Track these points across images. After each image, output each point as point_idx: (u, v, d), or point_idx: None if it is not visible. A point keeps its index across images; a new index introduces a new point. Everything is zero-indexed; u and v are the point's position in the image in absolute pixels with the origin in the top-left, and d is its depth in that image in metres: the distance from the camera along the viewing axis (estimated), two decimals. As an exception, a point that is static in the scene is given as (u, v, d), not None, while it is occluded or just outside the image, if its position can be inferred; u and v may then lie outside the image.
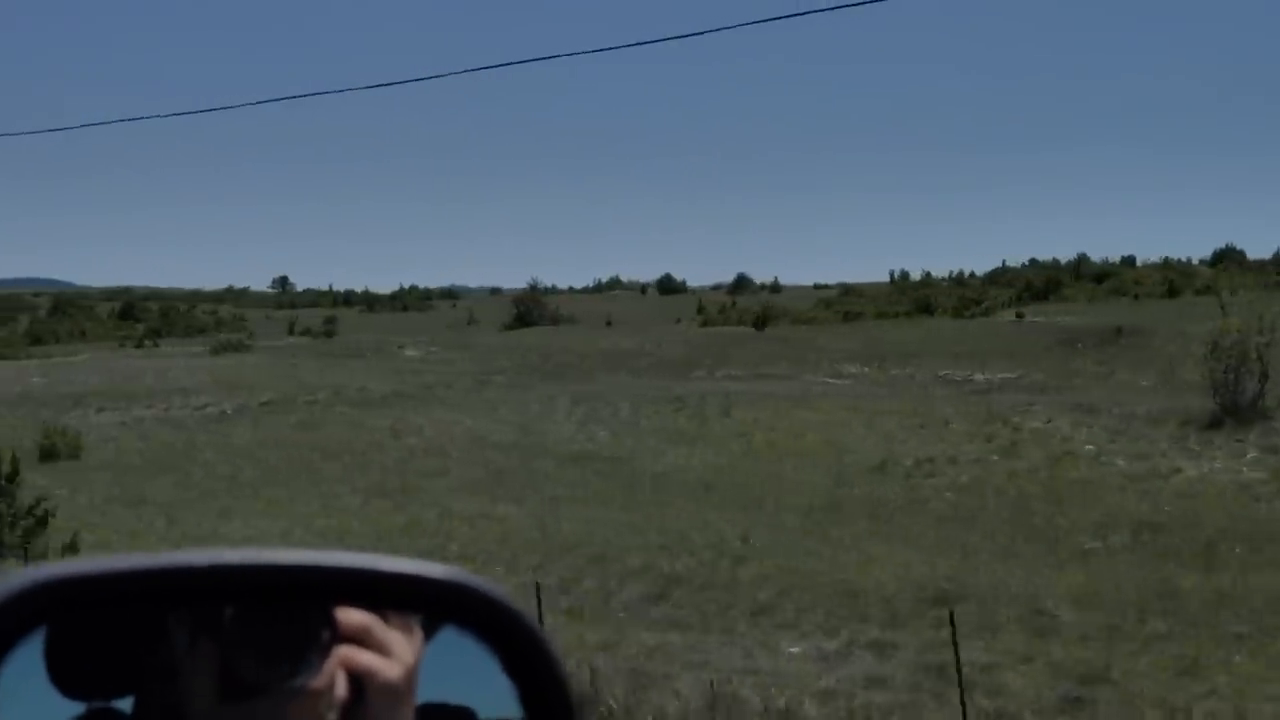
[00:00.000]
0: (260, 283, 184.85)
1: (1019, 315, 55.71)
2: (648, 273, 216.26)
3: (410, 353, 59.57)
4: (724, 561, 16.83)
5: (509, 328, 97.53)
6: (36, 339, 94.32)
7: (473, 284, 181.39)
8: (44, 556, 18.82)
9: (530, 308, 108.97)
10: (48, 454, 29.38)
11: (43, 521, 19.38)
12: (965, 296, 62.17)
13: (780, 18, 16.67)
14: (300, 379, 43.51)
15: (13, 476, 19.65)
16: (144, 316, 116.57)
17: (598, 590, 15.28)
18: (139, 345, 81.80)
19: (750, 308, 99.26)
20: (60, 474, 27.57)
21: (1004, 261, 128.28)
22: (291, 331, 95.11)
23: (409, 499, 22.96)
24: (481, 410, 34.37)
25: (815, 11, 14.84)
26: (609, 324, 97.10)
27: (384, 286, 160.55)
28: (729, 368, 43.50)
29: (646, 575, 16.05)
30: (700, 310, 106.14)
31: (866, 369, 41.54)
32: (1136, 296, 62.66)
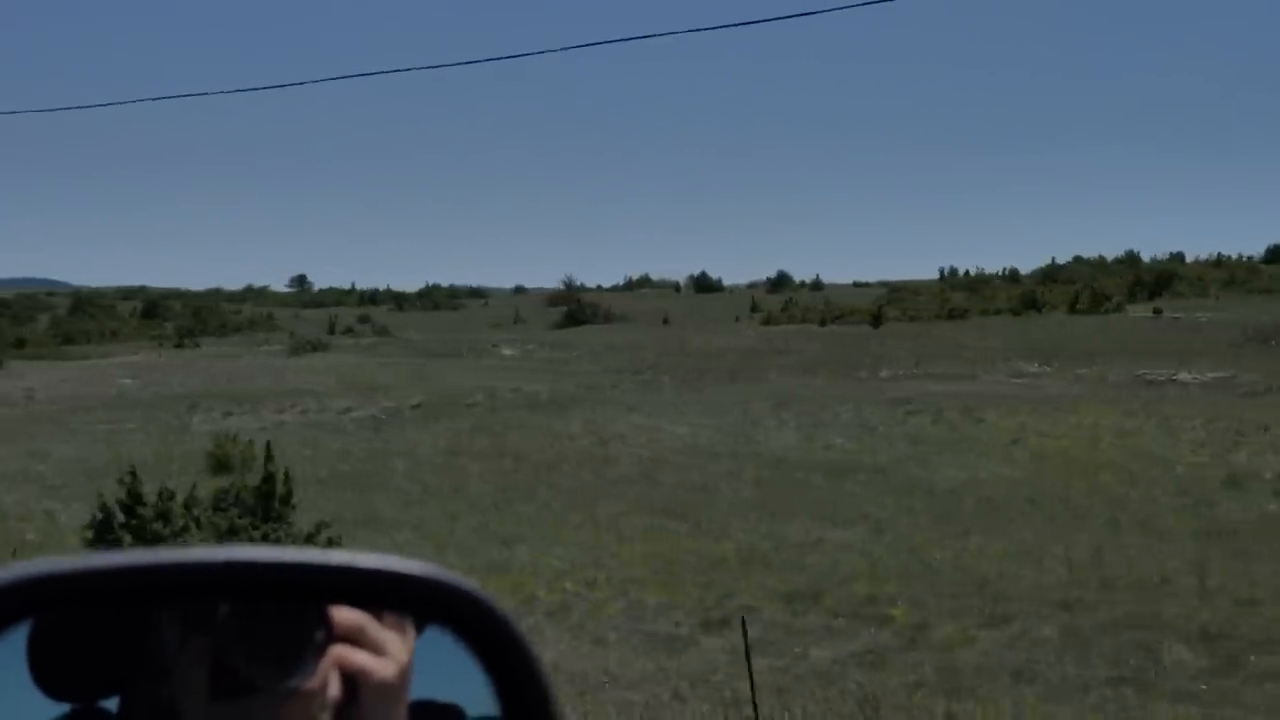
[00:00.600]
0: (264, 280, 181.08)
1: (1157, 311, 52.80)
2: (670, 271, 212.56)
3: (507, 351, 56.43)
4: (1220, 607, 13.69)
5: (559, 326, 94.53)
6: (68, 339, 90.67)
7: (491, 283, 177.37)
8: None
9: (580, 306, 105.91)
10: (221, 465, 26.11)
11: (326, 553, 16.14)
12: (1096, 292, 59.04)
13: (807, 14, 13.90)
14: (429, 380, 40.30)
15: (287, 498, 16.41)
16: (168, 316, 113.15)
17: (1131, 651, 12.12)
18: (178, 345, 78.49)
19: (813, 305, 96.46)
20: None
21: (1054, 259, 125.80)
22: (332, 330, 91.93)
23: (699, 520, 19.80)
24: (669, 415, 31.21)
25: (847, 7, 12.33)
26: (666, 322, 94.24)
27: (399, 285, 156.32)
28: (890, 367, 40.39)
29: (1153, 629, 12.89)
30: (755, 308, 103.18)
31: (1046, 368, 38.44)
32: (1270, 291, 59.77)
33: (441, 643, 1.07)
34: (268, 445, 16.88)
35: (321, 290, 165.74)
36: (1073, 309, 59.00)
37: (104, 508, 15.71)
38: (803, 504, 20.79)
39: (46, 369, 53.68)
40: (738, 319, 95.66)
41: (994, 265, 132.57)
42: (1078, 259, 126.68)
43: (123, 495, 15.82)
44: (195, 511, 16.02)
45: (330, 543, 16.28)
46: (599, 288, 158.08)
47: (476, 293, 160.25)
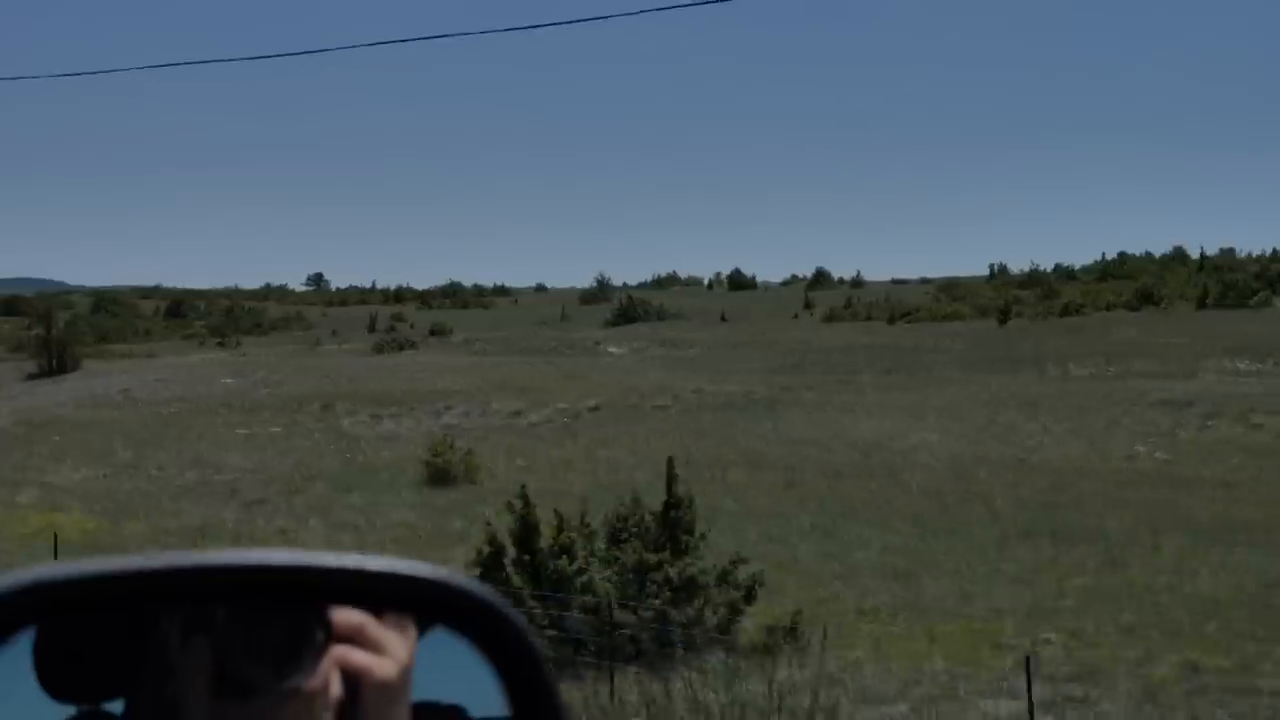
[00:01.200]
0: (272, 278, 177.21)
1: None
2: (690, 268, 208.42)
3: (614, 349, 53.04)
4: None
5: (611, 324, 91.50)
6: (103, 337, 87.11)
7: (501, 281, 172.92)
8: (763, 652, 12.31)
9: (631, 303, 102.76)
10: (440, 476, 22.78)
11: (750, 594, 12.79)
12: (1228, 286, 55.96)
13: None
14: (582, 380, 36.90)
15: (692, 527, 13.02)
16: (195, 314, 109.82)
17: None
18: (220, 344, 75.18)
19: (875, 302, 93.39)
20: (475, 504, 21.04)
21: (1103, 254, 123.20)
22: (372, 329, 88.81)
23: (1102, 545, 16.52)
24: (900, 418, 27.89)
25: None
26: (723, 319, 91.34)
27: (406, 283, 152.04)
28: (1078, 365, 37.22)
29: None
30: (808, 305, 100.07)
31: (1259, 365, 35.29)
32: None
33: (443, 643, 1.05)
34: (669, 462, 13.42)
35: (341, 289, 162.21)
36: (1201, 304, 55.91)
37: (493, 540, 12.33)
38: (1213, 526, 17.50)
39: (127, 368, 50.23)
40: (795, 316, 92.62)
41: (1021, 262, 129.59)
42: (1123, 255, 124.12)
43: (512, 524, 12.42)
44: (592, 544, 12.66)
45: (755, 581, 12.94)
46: (625, 285, 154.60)
47: (502, 290, 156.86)
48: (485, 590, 1.07)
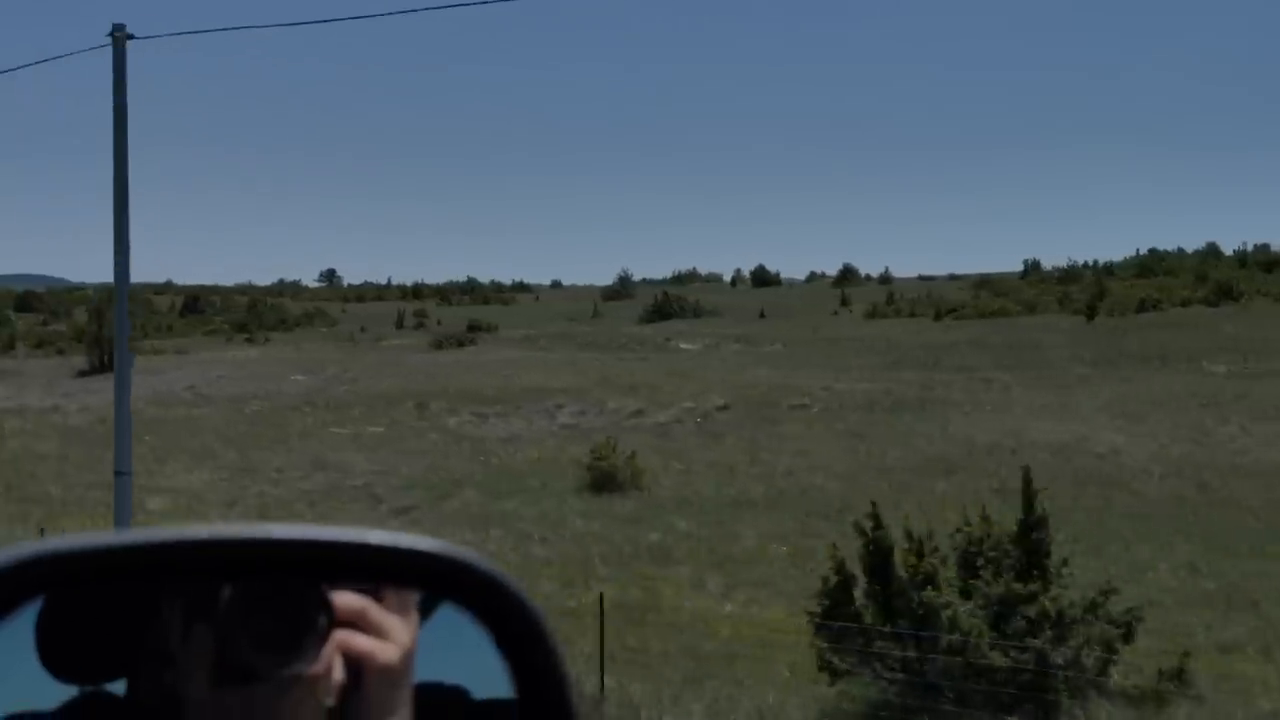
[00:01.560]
0: (276, 275, 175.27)
1: None
2: (707, 265, 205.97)
3: (686, 345, 50.90)
4: None
5: (645, 320, 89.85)
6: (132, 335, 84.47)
7: (514, 278, 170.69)
8: (1154, 701, 10.22)
9: (667, 299, 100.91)
10: (604, 481, 20.62)
11: (1129, 632, 10.67)
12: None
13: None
14: (694, 378, 34.70)
15: (1050, 550, 10.89)
16: (209, 310, 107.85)
17: None
18: (248, 340, 73.19)
19: (916, 299, 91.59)
20: (661, 513, 18.89)
21: (1137, 250, 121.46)
22: (400, 325, 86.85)
23: None
24: (1071, 418, 25.75)
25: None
26: (762, 315, 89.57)
27: (412, 279, 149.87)
28: (1210, 361, 35.12)
29: None
30: (844, 302, 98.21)
31: None
32: None
33: (447, 625, 1.04)
34: (1025, 471, 11.30)
35: (355, 285, 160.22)
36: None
37: (840, 569, 10.18)
38: None
39: (177, 364, 48.03)
40: (835, 313, 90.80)
41: (1056, 258, 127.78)
42: (1154, 251, 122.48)
43: (861, 548, 10.27)
44: (945, 571, 10.49)
45: (1133, 616, 10.80)
46: (645, 281, 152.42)
47: (522, 287, 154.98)
48: (489, 564, 1.03)
